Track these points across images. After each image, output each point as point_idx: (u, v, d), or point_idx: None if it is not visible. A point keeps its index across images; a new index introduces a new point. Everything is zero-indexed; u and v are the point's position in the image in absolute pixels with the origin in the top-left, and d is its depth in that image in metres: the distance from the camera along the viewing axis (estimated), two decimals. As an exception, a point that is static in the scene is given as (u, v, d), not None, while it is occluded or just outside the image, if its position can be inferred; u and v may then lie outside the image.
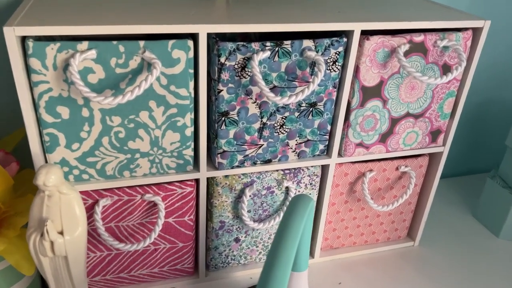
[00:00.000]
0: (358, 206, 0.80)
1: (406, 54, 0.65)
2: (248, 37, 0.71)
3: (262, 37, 0.71)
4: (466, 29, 0.68)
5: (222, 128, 0.63)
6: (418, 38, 0.65)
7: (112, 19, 0.54)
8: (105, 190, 0.63)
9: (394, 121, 0.71)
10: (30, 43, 0.51)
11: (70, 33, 0.51)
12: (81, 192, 0.62)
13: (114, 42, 0.53)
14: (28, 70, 0.53)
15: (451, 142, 1.11)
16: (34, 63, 0.52)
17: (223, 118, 0.62)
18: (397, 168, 0.78)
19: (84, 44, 0.53)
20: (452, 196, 1.05)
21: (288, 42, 0.60)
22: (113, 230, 0.66)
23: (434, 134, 0.76)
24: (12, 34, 0.50)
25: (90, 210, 0.64)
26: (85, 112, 0.57)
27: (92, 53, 0.53)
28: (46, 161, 0.59)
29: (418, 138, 0.75)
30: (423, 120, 0.73)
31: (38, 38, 0.54)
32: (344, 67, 0.65)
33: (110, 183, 0.62)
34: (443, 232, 0.93)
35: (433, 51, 0.67)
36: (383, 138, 0.73)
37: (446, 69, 0.69)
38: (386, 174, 0.78)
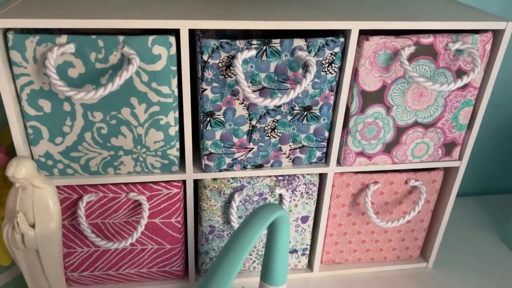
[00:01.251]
0: (363, 220, 0.74)
1: (413, 57, 0.60)
2: (250, 36, 0.69)
3: (263, 37, 0.68)
4: (485, 31, 0.61)
5: (207, 129, 0.61)
6: (427, 40, 0.59)
7: (98, 14, 0.54)
8: (90, 186, 0.63)
9: (400, 130, 0.65)
10: (11, 36, 0.51)
11: (49, 26, 0.51)
12: (65, 187, 0.62)
13: (93, 36, 0.53)
14: (10, 63, 0.53)
15: (479, 156, 1.02)
16: (15, 55, 0.52)
17: (208, 119, 0.60)
18: (406, 182, 0.71)
19: (63, 38, 0.52)
20: (478, 216, 0.96)
21: (277, 40, 0.56)
22: (100, 227, 0.66)
23: (448, 147, 0.69)
24: (-7, 26, 0.50)
25: (75, 205, 0.64)
26: (66, 107, 0.56)
27: (71, 47, 0.52)
28: (32, 154, 0.60)
29: (429, 150, 0.68)
30: (434, 130, 0.66)
31: (25, 32, 0.54)
32: (341, 69, 0.60)
33: (94, 179, 0.62)
34: (464, 254, 0.84)
35: (444, 55, 0.60)
36: (388, 148, 0.67)
37: (460, 75, 0.62)
38: (394, 188, 0.72)
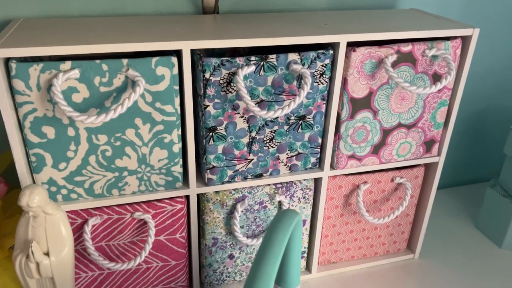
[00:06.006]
0: (355, 219, 0.79)
1: (395, 64, 0.65)
2: (237, 53, 0.72)
3: (251, 52, 0.71)
4: (455, 37, 0.67)
5: (210, 143, 0.63)
6: (406, 48, 0.65)
7: (95, 39, 0.55)
8: (94, 209, 0.63)
9: (386, 132, 0.71)
10: (13, 65, 0.51)
11: (52, 54, 0.51)
12: (69, 212, 0.62)
13: (97, 61, 0.54)
14: (12, 91, 0.53)
15: (451, 152, 1.10)
16: (18, 84, 0.52)
17: (210, 134, 0.62)
18: (392, 180, 0.77)
19: (67, 64, 0.53)
20: (453, 207, 1.04)
21: (274, 56, 0.60)
22: (104, 249, 0.66)
23: (428, 144, 0.75)
24: (-5, 56, 0.50)
25: (79, 230, 0.63)
26: (70, 132, 0.57)
27: (75, 73, 0.53)
28: (34, 182, 0.59)
29: (412, 149, 0.74)
30: (415, 130, 0.72)
31: (23, 60, 0.54)
32: (331, 79, 0.65)
33: (99, 202, 0.62)
34: (444, 243, 0.91)
35: (422, 61, 0.66)
36: (376, 149, 0.72)
37: (436, 78, 0.68)
38: (381, 186, 0.77)
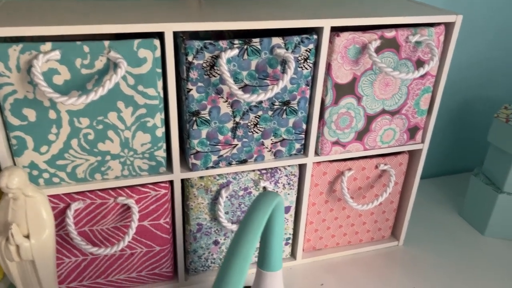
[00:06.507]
0: (339, 206, 0.79)
1: (378, 50, 0.65)
2: (223, 38, 0.71)
3: (236, 36, 0.71)
4: (438, 24, 0.68)
5: (193, 128, 0.62)
6: (390, 34, 0.65)
7: (77, 21, 0.54)
8: (76, 193, 0.62)
9: (370, 119, 0.71)
10: (-8, 45, 0.51)
11: (32, 34, 0.51)
12: (52, 196, 0.61)
13: (78, 43, 0.53)
14: (-9, 73, 0.52)
15: (436, 141, 1.11)
16: (-3, 65, 0.52)
17: (194, 118, 0.62)
18: (376, 167, 0.77)
19: (48, 45, 0.52)
20: (438, 195, 1.05)
21: (257, 40, 0.59)
22: (87, 234, 0.65)
23: (412, 131, 0.75)
24: (-27, 36, 0.49)
25: (62, 214, 0.63)
26: (52, 114, 0.56)
27: (56, 54, 0.52)
28: (15, 165, 0.58)
29: (395, 136, 0.75)
30: (399, 117, 0.73)
31: (2, 41, 0.53)
32: (315, 64, 0.65)
33: (81, 186, 0.62)
34: (428, 231, 0.92)
35: (405, 47, 0.66)
36: (360, 136, 0.72)
37: (420, 64, 0.69)
38: (366, 173, 0.77)
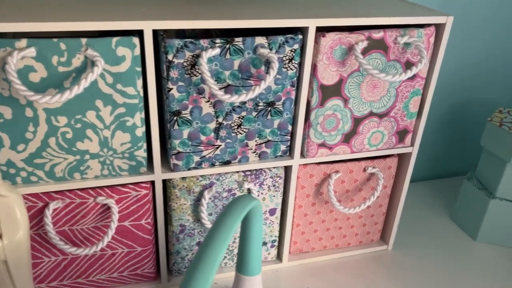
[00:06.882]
0: (326, 209, 0.78)
1: (366, 51, 0.64)
2: (210, 36, 0.70)
3: (224, 35, 0.69)
4: (428, 25, 0.66)
5: (174, 128, 0.61)
6: (378, 34, 0.63)
7: (53, 17, 0.53)
8: (55, 192, 0.61)
9: (357, 121, 0.70)
10: (-35, 41, 0.50)
11: (6, 30, 0.50)
12: (30, 195, 0.60)
13: (55, 40, 0.52)
14: (-34, 69, 0.51)
15: (429, 144, 1.09)
16: (-29, 61, 0.51)
17: (175, 118, 0.61)
18: (364, 170, 0.76)
19: (23, 42, 0.51)
20: (429, 199, 1.03)
21: (240, 39, 0.58)
22: (67, 234, 0.65)
23: (401, 134, 0.74)
24: None
25: (40, 214, 0.62)
26: (28, 112, 0.55)
27: (31, 51, 0.51)
28: (-8, 163, 0.58)
29: (384, 138, 0.73)
30: (388, 119, 0.71)
31: (-21, 37, 0.52)
32: (301, 65, 0.63)
33: (60, 185, 0.61)
34: (419, 235, 0.90)
35: (394, 48, 0.65)
36: (347, 138, 0.71)
37: (409, 67, 0.67)
38: (353, 176, 0.76)
